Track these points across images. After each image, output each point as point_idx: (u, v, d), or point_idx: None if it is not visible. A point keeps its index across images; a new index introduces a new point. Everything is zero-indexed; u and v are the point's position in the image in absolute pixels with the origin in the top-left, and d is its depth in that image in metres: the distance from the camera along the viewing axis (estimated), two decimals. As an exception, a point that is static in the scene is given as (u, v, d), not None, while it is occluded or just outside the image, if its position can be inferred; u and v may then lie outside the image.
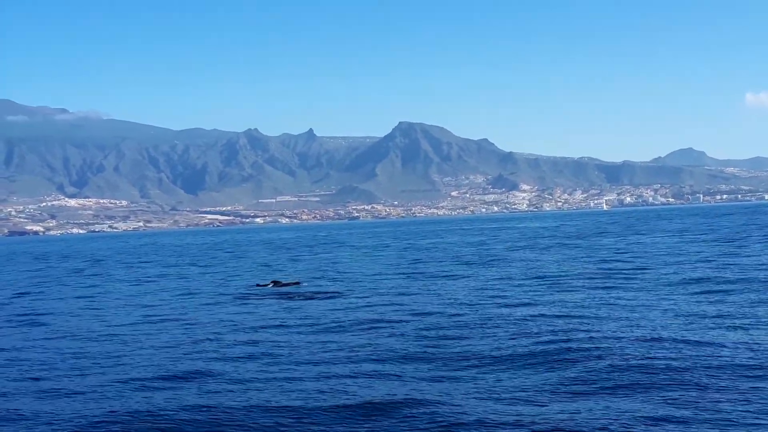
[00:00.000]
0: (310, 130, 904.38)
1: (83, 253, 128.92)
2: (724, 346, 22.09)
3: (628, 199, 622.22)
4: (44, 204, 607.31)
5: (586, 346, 22.74)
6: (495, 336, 25.40)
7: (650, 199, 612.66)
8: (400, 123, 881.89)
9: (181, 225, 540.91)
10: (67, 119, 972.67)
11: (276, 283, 46.56)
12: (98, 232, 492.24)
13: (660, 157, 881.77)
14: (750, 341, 22.74)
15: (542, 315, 29.60)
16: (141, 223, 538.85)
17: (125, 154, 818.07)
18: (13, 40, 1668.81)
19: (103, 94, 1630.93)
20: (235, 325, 30.90)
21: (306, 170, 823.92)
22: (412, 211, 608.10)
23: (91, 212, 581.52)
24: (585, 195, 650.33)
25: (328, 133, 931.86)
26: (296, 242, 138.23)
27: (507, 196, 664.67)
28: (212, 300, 41.33)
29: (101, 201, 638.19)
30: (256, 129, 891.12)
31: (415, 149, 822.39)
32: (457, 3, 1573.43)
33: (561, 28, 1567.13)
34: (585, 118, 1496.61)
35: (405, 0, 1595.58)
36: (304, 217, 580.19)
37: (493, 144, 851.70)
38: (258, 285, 47.51)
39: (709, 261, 50.84)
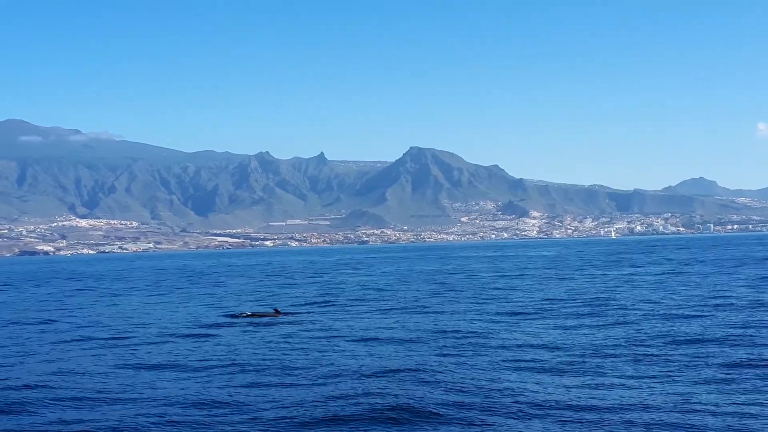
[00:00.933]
0: (321, 153, 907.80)
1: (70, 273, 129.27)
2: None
3: (639, 227, 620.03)
4: (55, 224, 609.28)
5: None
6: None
7: (660, 228, 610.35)
8: (410, 148, 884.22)
9: (191, 247, 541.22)
10: (80, 140, 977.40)
11: (253, 314, 44.65)
12: (108, 252, 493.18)
13: (671, 186, 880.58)
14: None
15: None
16: (151, 245, 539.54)
17: (137, 176, 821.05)
18: (28, 60, 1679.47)
19: (116, 115, 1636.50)
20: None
21: (316, 194, 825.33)
22: (421, 236, 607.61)
23: (101, 233, 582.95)
24: (595, 223, 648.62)
25: (339, 157, 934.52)
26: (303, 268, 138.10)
27: (517, 223, 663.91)
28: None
29: (112, 222, 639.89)
30: (267, 152, 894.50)
31: (426, 174, 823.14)
32: (469, 30, 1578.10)
33: (573, 55, 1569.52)
34: (596, 145, 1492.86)
35: (418, 26, 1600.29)
36: (314, 240, 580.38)
37: (503, 170, 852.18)
38: (233, 315, 45.73)
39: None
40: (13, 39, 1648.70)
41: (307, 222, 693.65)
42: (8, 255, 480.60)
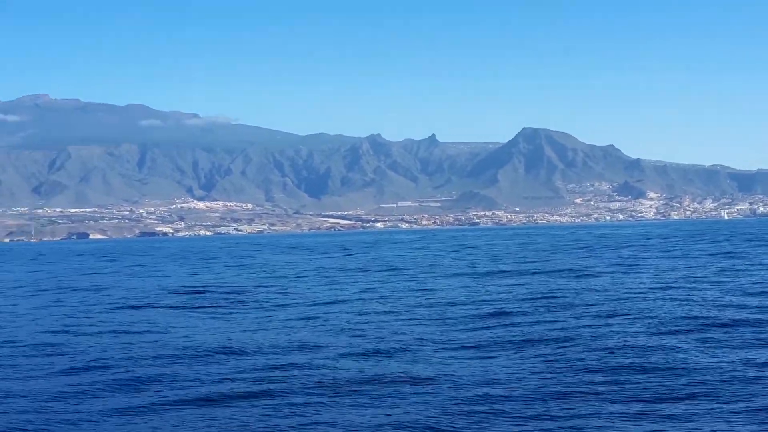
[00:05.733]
0: (433, 135, 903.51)
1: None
2: None
3: (761, 209, 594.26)
4: (174, 206, 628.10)
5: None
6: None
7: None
8: (523, 129, 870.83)
9: (304, 228, 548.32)
10: (198, 124, 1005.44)
11: None
12: (224, 234, 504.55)
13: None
14: None
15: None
16: (265, 226, 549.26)
17: (252, 159, 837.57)
18: (149, 47, 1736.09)
19: (232, 99, 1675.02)
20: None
21: (427, 175, 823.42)
22: (534, 218, 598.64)
23: (218, 215, 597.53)
24: (715, 204, 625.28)
25: (451, 139, 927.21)
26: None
27: (633, 204, 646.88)
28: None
29: (228, 204, 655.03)
30: (379, 134, 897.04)
31: (539, 155, 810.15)
32: (580, 7, 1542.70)
33: (692, 30, 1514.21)
34: (717, 124, 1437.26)
35: (530, 4, 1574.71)
36: (424, 222, 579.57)
37: (619, 150, 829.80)
38: None
39: None
40: (135, 30, 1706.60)
41: (417, 204, 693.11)
42: (129, 236, 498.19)
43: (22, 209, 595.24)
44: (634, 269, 59.23)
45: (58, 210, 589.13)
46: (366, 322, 33.32)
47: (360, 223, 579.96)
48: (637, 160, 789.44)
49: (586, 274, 55.44)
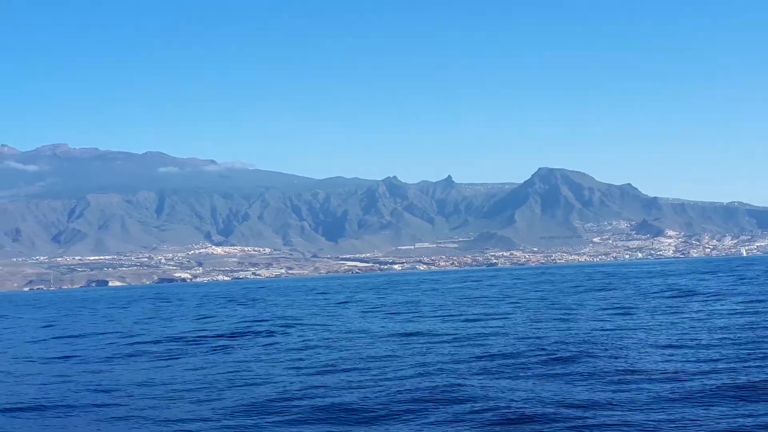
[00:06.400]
0: (449, 177, 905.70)
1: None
2: None
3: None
4: (192, 252, 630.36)
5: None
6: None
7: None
8: (539, 169, 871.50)
9: (322, 271, 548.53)
10: (215, 170, 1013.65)
11: None
12: (242, 278, 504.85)
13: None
14: None
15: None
16: (283, 270, 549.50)
17: (269, 203, 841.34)
18: (166, 96, 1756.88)
19: (249, 145, 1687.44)
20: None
21: (444, 217, 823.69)
22: (552, 258, 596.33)
23: (236, 260, 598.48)
24: (735, 241, 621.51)
25: (467, 180, 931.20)
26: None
27: (652, 243, 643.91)
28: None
29: (246, 249, 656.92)
30: (395, 177, 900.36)
31: (555, 195, 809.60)
32: (594, 46, 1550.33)
33: (708, 67, 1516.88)
34: (734, 161, 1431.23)
35: (544, 43, 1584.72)
36: (442, 263, 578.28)
37: (636, 189, 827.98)
38: None
39: None
40: (152, 78, 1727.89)
41: (435, 245, 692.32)
42: (148, 282, 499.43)
43: (42, 258, 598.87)
44: None
45: (77, 258, 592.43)
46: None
47: (378, 265, 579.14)
48: (655, 198, 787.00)
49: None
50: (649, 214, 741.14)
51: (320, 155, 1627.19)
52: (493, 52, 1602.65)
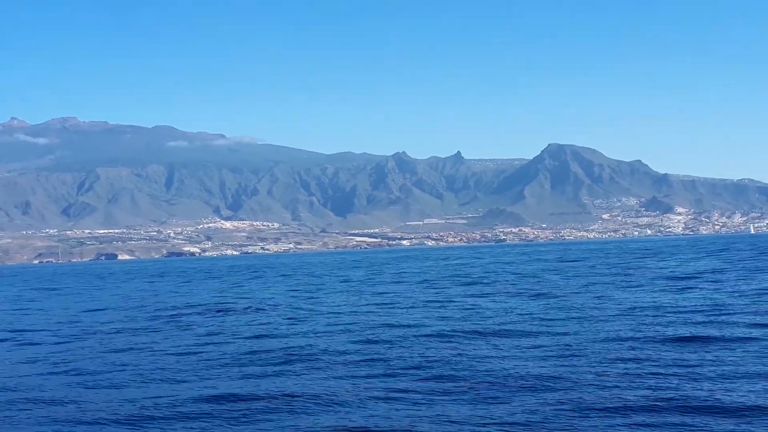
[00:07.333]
0: (458, 152, 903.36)
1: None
2: None
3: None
4: (201, 226, 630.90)
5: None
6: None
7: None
8: (549, 145, 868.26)
9: (330, 247, 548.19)
10: (224, 144, 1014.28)
11: None
12: (250, 253, 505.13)
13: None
14: None
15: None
16: (292, 245, 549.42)
17: (278, 178, 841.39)
18: (176, 70, 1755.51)
19: (259, 120, 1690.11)
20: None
21: (453, 193, 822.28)
22: (561, 234, 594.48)
23: (244, 234, 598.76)
24: (744, 218, 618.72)
25: (476, 156, 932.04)
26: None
27: (661, 219, 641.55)
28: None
29: (254, 223, 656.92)
30: (404, 152, 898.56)
31: (565, 171, 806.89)
32: (606, 25, 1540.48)
33: (720, 47, 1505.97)
34: (745, 137, 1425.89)
35: (555, 22, 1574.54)
36: (450, 239, 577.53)
37: (646, 165, 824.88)
38: None
39: None
40: (162, 53, 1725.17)
41: (443, 221, 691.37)
42: (157, 256, 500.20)
43: (51, 231, 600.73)
44: None
45: (86, 231, 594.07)
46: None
47: (386, 241, 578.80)
48: (665, 175, 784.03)
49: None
50: (659, 190, 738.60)
51: (330, 130, 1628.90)
52: (504, 30, 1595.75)
